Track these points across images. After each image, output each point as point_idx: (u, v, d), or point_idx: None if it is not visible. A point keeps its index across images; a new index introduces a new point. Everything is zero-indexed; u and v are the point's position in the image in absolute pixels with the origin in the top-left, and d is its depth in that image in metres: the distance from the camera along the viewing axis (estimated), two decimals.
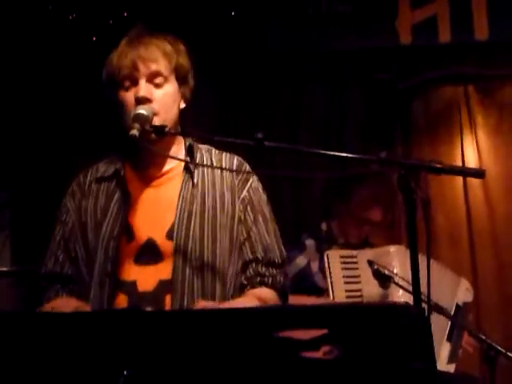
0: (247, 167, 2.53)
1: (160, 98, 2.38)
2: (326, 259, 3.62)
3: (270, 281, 2.44)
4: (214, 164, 2.50)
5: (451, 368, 3.72)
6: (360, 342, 1.58)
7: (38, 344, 1.67)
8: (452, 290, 3.77)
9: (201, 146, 2.56)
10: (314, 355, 1.57)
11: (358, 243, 3.89)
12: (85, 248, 2.42)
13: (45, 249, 2.56)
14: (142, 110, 2.31)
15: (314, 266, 3.74)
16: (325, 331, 1.56)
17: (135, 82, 2.37)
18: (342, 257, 3.65)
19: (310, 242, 3.91)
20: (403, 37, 4.77)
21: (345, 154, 2.19)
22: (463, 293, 3.84)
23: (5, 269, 4.53)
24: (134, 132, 2.23)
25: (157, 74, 2.39)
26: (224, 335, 1.61)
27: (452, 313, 3.63)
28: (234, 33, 4.74)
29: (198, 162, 2.48)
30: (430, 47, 4.83)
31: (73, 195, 2.52)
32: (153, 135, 2.31)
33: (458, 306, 3.76)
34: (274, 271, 2.46)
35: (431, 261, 3.70)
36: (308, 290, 3.74)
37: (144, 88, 2.36)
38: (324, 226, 4.02)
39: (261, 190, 2.53)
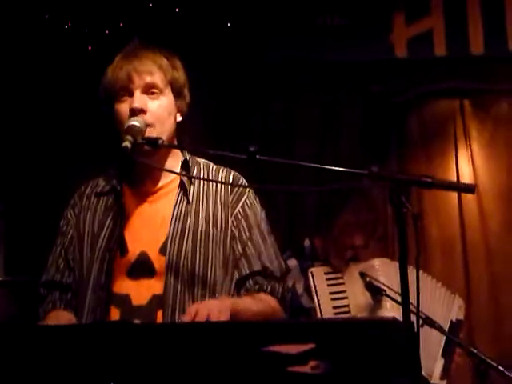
0: (244, 183, 2.52)
1: (155, 110, 2.38)
2: (310, 277, 3.61)
3: (269, 288, 2.43)
4: (211, 179, 2.50)
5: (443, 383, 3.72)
6: (348, 356, 1.58)
7: (26, 356, 1.66)
8: (447, 306, 3.78)
9: (199, 160, 2.57)
10: (302, 370, 1.57)
11: (340, 265, 3.86)
12: (80, 259, 2.44)
13: (39, 259, 2.59)
14: (135, 122, 2.31)
15: (299, 288, 3.73)
16: (313, 346, 1.56)
17: (130, 94, 2.38)
18: (326, 273, 3.65)
19: (292, 263, 3.87)
20: (398, 50, 4.80)
21: (336, 168, 2.19)
22: (457, 310, 3.85)
23: None
24: (126, 144, 2.22)
25: (152, 85, 2.39)
26: (212, 349, 1.61)
27: (447, 329, 3.63)
28: (230, 44, 4.75)
29: (194, 176, 2.48)
30: (426, 61, 4.85)
31: (73, 207, 2.54)
32: (146, 147, 2.31)
33: (452, 322, 3.76)
34: (273, 282, 2.45)
35: (427, 276, 3.73)
36: (295, 313, 3.73)
37: (139, 99, 2.36)
38: (307, 243, 4.01)
39: (257, 205, 2.52)
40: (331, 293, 3.62)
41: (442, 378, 3.67)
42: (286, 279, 2.55)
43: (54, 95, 4.64)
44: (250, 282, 2.43)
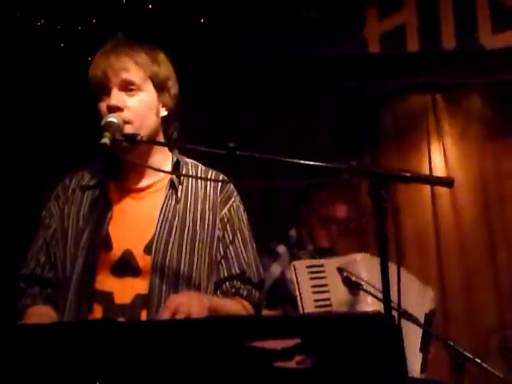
0: (231, 186, 2.52)
1: (133, 107, 2.37)
2: (293, 270, 3.63)
3: (245, 293, 2.44)
4: (199, 181, 2.49)
5: (422, 377, 3.75)
6: (333, 351, 1.59)
7: (8, 355, 1.65)
8: (421, 298, 3.81)
9: (188, 160, 2.56)
10: (287, 365, 1.58)
11: (327, 247, 3.93)
12: (64, 254, 2.40)
13: (17, 257, 2.55)
14: (112, 118, 2.30)
15: (288, 275, 3.76)
16: (298, 341, 1.57)
17: (108, 92, 2.36)
18: (308, 267, 3.66)
19: (282, 250, 3.93)
20: (371, 45, 4.82)
21: (315, 163, 2.20)
22: (429, 301, 3.88)
23: None
24: (105, 140, 2.21)
25: (128, 82, 2.38)
26: (199, 345, 1.61)
27: (422, 322, 3.66)
28: (202, 41, 4.72)
29: (184, 174, 2.48)
30: (398, 56, 4.87)
31: (57, 199, 2.51)
32: (124, 143, 2.30)
33: (425, 314, 3.79)
34: (250, 287, 2.46)
35: (402, 270, 3.75)
36: (282, 299, 3.76)
37: (115, 97, 2.35)
38: (293, 233, 4.05)
39: (242, 210, 2.53)
40: (313, 286, 3.63)
41: (421, 371, 3.70)
42: (263, 287, 2.55)
43: (26, 93, 4.59)
44: (227, 284, 2.44)
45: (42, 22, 4.50)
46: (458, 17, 4.77)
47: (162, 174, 2.46)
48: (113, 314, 2.26)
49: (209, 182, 2.49)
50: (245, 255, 2.48)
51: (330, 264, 3.64)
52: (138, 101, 2.38)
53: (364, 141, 5.08)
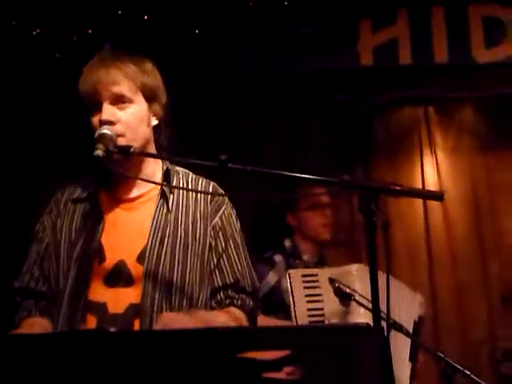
0: (223, 193, 2.54)
1: (125, 120, 2.39)
2: (288, 278, 3.65)
3: (239, 303, 2.45)
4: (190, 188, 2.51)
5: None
6: (321, 362, 1.60)
7: (4, 365, 1.66)
8: (410, 306, 3.83)
9: (178, 169, 2.58)
10: (276, 376, 1.59)
11: (327, 238, 4.02)
12: (57, 267, 2.42)
13: (11, 266, 2.56)
14: (105, 130, 2.32)
15: (284, 284, 3.79)
16: (287, 352, 1.58)
17: (99, 106, 2.38)
18: (303, 275, 3.69)
19: (279, 259, 3.99)
20: (364, 58, 4.84)
21: (308, 176, 2.22)
22: (418, 308, 3.91)
23: None
24: (98, 152, 2.23)
25: (119, 95, 2.39)
26: (189, 356, 1.62)
27: (411, 331, 3.68)
28: (198, 52, 4.74)
29: (174, 185, 2.49)
30: (391, 69, 4.90)
31: (50, 213, 2.53)
32: (118, 156, 2.32)
33: (414, 322, 3.82)
34: (244, 296, 2.47)
35: (393, 279, 3.79)
36: (277, 308, 3.79)
37: (107, 111, 2.36)
38: (287, 243, 4.10)
39: (234, 218, 2.55)
40: (307, 295, 3.66)
41: (410, 381, 3.72)
42: (257, 294, 2.57)
43: (22, 102, 4.60)
44: (222, 294, 2.46)
45: (38, 31, 4.51)
46: (450, 30, 4.81)
47: (153, 185, 2.47)
48: (106, 324, 2.28)
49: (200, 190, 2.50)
50: (238, 264, 2.49)
51: (324, 274, 3.66)
52: (129, 113, 2.40)
53: (356, 153, 5.10)
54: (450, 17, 4.82)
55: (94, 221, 2.43)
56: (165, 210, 2.44)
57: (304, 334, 1.65)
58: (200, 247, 2.44)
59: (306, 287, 3.67)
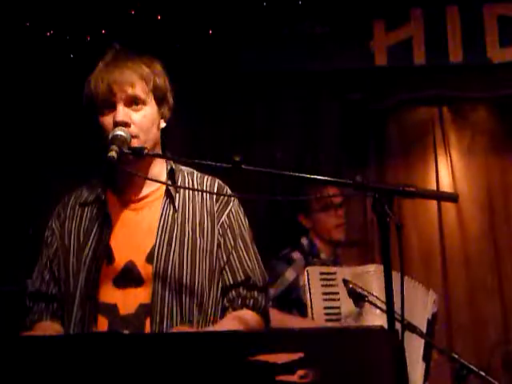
0: (228, 191, 2.54)
1: (139, 122, 2.39)
2: (306, 275, 3.65)
3: (251, 303, 2.44)
4: (196, 187, 2.51)
5: None
6: (335, 364, 1.60)
7: (17, 366, 1.67)
8: (423, 305, 3.82)
9: (183, 168, 2.58)
10: (289, 379, 1.59)
11: (341, 238, 4.04)
12: (66, 270, 2.44)
13: (21, 266, 2.58)
14: (120, 132, 2.32)
15: (302, 281, 3.78)
16: (300, 355, 1.58)
17: (113, 107, 2.38)
18: (322, 273, 3.69)
19: (297, 256, 3.99)
20: (378, 58, 4.82)
21: (320, 178, 2.22)
22: (431, 305, 3.89)
23: None
24: (113, 154, 2.23)
25: (134, 98, 2.39)
26: (202, 358, 1.62)
27: (424, 330, 3.67)
28: (208, 53, 4.74)
29: (179, 184, 2.49)
30: (405, 69, 4.88)
31: (58, 217, 2.54)
32: (131, 157, 2.32)
33: (428, 320, 3.80)
34: (256, 294, 2.46)
35: (407, 278, 3.78)
36: (293, 305, 3.79)
37: (122, 112, 2.36)
38: (304, 241, 4.09)
39: (241, 214, 2.54)
40: (324, 293, 3.66)
41: (424, 381, 3.71)
42: (268, 288, 2.57)
43: (35, 102, 4.62)
44: (233, 293, 2.45)
45: (52, 32, 4.53)
46: (465, 30, 4.78)
47: (159, 184, 2.48)
48: (118, 325, 2.29)
49: (205, 188, 2.51)
50: (248, 260, 2.49)
51: (343, 273, 3.66)
52: (142, 115, 2.40)
53: (369, 153, 5.09)
54: (465, 16, 4.80)
55: (101, 223, 2.44)
56: (171, 210, 2.45)
57: (317, 337, 1.65)
58: (208, 245, 2.44)
59: (323, 285, 3.67)
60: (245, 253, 2.49)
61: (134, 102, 2.40)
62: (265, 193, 4.50)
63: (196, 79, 4.75)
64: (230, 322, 2.37)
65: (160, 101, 2.48)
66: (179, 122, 4.43)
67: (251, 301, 2.45)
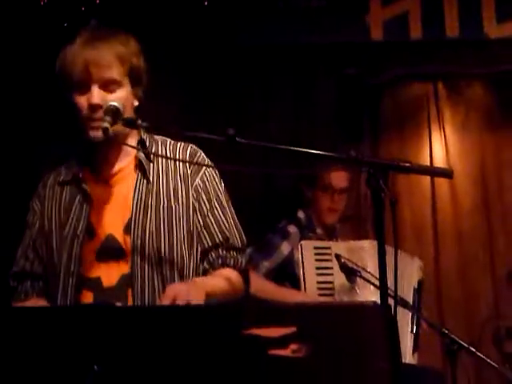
0: (202, 155, 2.54)
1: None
2: (299, 248, 3.66)
3: (231, 262, 2.47)
4: (169, 155, 2.52)
5: (415, 358, 3.78)
6: (327, 340, 1.60)
7: (7, 338, 1.67)
8: (411, 273, 3.84)
9: (156, 137, 2.59)
10: (282, 353, 1.59)
11: (333, 223, 3.98)
12: (49, 248, 2.46)
13: (9, 239, 2.58)
14: (113, 102, 2.32)
15: (296, 255, 3.79)
16: (293, 329, 1.58)
17: (88, 88, 2.37)
18: (316, 248, 3.70)
19: (293, 229, 3.98)
20: (374, 33, 4.80)
21: (315, 152, 2.21)
22: (418, 272, 3.91)
23: None
24: (106, 125, 2.24)
25: (110, 81, 2.38)
26: (196, 332, 1.62)
27: (411, 300, 3.69)
28: (202, 26, 4.71)
29: (152, 153, 2.50)
30: (400, 43, 4.86)
31: (38, 197, 2.57)
32: (121, 129, 2.35)
33: (414, 289, 3.82)
34: (235, 253, 2.49)
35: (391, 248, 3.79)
36: (288, 278, 3.80)
37: (96, 95, 2.36)
38: (301, 214, 4.08)
39: (216, 177, 2.55)
40: (318, 268, 3.67)
41: (413, 351, 3.73)
42: (245, 248, 2.57)
43: (28, 73, 4.58)
44: (213, 255, 2.47)
45: (46, 1, 4.49)
46: (462, 5, 4.75)
47: (131, 158, 2.50)
48: (102, 298, 2.32)
49: (178, 154, 2.51)
50: (225, 221, 2.50)
51: (337, 247, 3.67)
52: (116, 97, 2.38)
53: (364, 128, 5.08)
54: None
55: (80, 200, 2.47)
56: (145, 180, 2.46)
57: (311, 312, 1.65)
58: (184, 210, 2.45)
59: (317, 259, 3.68)
60: (221, 214, 2.51)
61: (109, 84, 2.39)
62: (259, 166, 4.48)
63: (191, 53, 4.72)
64: (213, 278, 2.40)
65: (135, 81, 2.47)
66: (174, 96, 4.43)
67: (231, 260, 2.47)
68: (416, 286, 3.86)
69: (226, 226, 2.50)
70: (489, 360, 3.15)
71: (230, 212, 2.55)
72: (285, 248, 3.94)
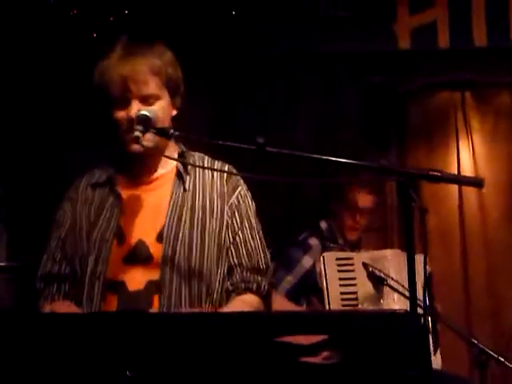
0: (238, 177, 2.57)
1: None
2: (321, 261, 3.65)
3: (254, 287, 2.49)
4: (206, 171, 2.54)
5: (438, 359, 3.73)
6: (359, 348, 1.60)
7: (41, 344, 1.69)
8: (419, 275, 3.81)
9: (193, 153, 2.61)
10: (313, 360, 1.60)
11: (354, 239, 3.96)
12: (77, 250, 2.47)
13: (40, 245, 2.60)
14: (145, 112, 2.34)
15: (319, 267, 3.78)
16: (325, 337, 1.59)
17: (128, 103, 2.40)
18: (338, 259, 3.69)
19: (314, 242, 3.96)
20: (402, 41, 4.80)
21: (345, 160, 2.21)
22: (422, 270, 3.88)
23: (1, 264, 4.53)
24: (137, 134, 2.26)
25: (148, 96, 2.41)
26: (228, 339, 1.63)
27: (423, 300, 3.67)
28: (230, 34, 4.73)
29: (191, 163, 2.53)
30: (429, 52, 4.85)
31: (70, 199, 2.57)
32: (152, 138, 2.35)
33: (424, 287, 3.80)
34: (259, 278, 2.51)
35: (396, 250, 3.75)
36: (311, 291, 3.79)
37: (137, 110, 2.38)
38: (323, 225, 4.07)
39: (249, 198, 2.58)
40: (340, 279, 3.66)
41: (434, 352, 3.70)
42: (269, 271, 2.58)
43: (58, 82, 4.63)
44: (237, 276, 2.49)
45: (75, 11, 4.53)
46: (490, 14, 4.74)
47: (170, 167, 2.53)
48: (127, 302, 2.34)
49: (215, 173, 2.54)
50: (252, 242, 2.53)
51: (360, 258, 3.66)
52: (155, 109, 2.41)
53: (391, 137, 5.07)
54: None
55: (112, 203, 2.48)
56: (182, 190, 2.49)
57: (342, 320, 1.65)
58: (217, 224, 2.48)
59: (339, 270, 3.67)
60: (249, 235, 2.53)
61: (147, 98, 2.41)
62: (286, 174, 4.49)
63: (218, 62, 4.75)
64: (237, 304, 2.42)
65: (173, 92, 2.50)
66: (201, 105, 4.45)
67: (254, 285, 2.49)
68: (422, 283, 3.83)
69: (253, 246, 2.53)
70: None
71: (259, 233, 2.57)
72: (306, 262, 3.92)
